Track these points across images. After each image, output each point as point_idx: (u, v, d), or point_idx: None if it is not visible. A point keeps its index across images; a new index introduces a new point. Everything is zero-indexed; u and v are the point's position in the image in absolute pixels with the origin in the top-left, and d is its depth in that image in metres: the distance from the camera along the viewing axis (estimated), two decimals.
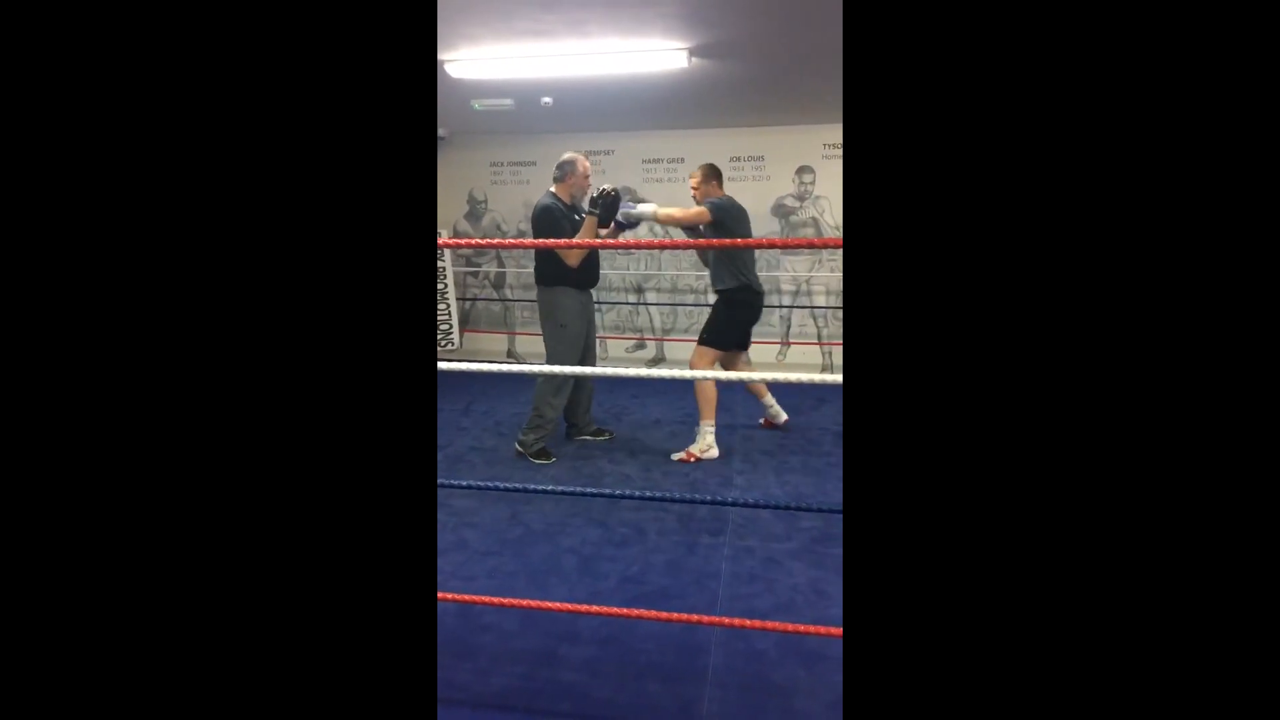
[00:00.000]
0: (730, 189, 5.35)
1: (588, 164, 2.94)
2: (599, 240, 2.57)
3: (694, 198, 3.07)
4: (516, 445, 3.01)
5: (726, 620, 1.47)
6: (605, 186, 2.81)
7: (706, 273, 3.88)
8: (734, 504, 1.56)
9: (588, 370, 1.40)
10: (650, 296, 4.97)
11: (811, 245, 1.42)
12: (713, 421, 3.02)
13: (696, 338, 3.12)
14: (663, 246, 1.42)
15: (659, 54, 2.80)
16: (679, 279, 4.89)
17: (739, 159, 4.68)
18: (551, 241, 1.60)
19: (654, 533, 2.25)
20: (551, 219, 2.79)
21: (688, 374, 1.39)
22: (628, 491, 2.49)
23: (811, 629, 1.36)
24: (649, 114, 4.13)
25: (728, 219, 2.87)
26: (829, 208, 4.61)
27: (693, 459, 2.97)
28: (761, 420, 3.49)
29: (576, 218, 2.86)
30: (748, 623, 1.42)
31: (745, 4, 2.28)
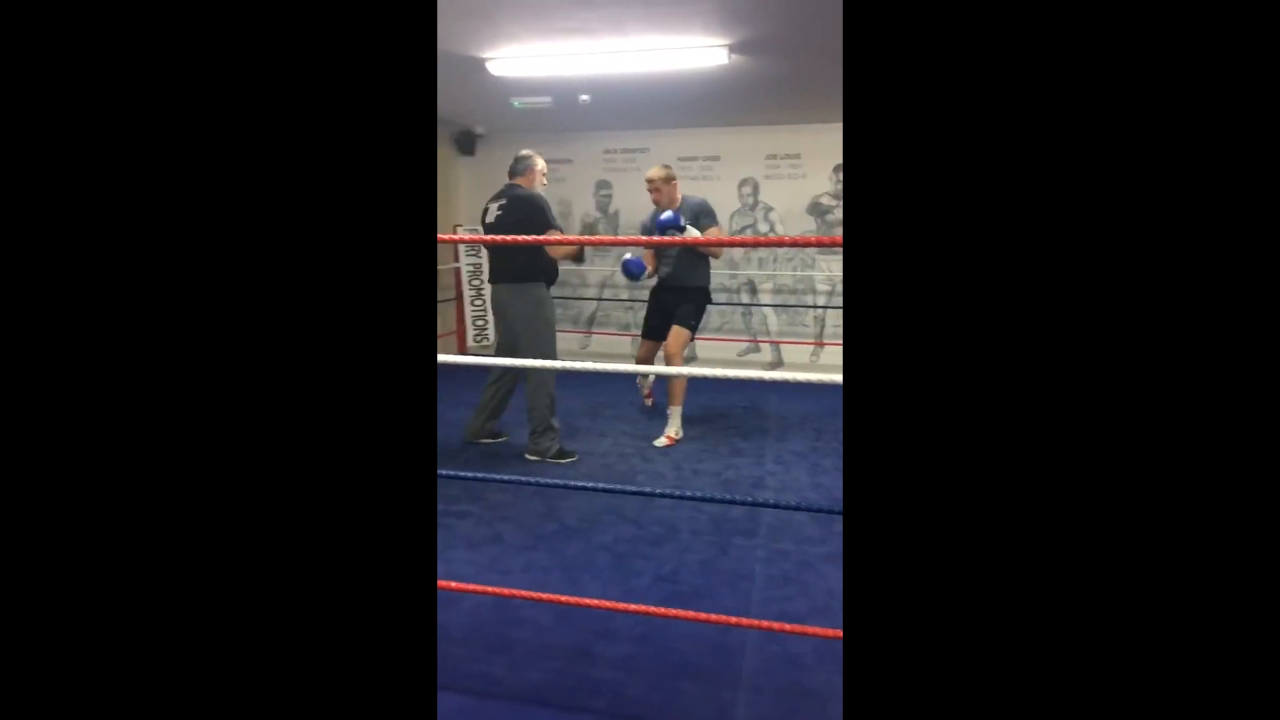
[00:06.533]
0: (767, 187, 5.22)
1: (544, 163, 2.90)
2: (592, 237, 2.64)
3: (656, 200, 2.98)
4: (529, 456, 2.91)
5: (762, 623, 1.45)
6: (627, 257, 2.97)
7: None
8: (769, 505, 1.54)
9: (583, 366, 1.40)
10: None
11: (806, 244, 1.40)
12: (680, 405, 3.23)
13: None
14: (670, 244, 1.43)
15: (698, 51, 2.79)
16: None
17: (775, 157, 4.64)
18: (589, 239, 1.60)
19: (687, 532, 2.24)
20: (543, 208, 2.74)
21: (655, 369, 1.38)
22: (662, 490, 2.49)
23: None
24: (685, 112, 4.12)
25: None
26: None
27: (673, 442, 3.16)
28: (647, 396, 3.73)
29: None
30: (785, 626, 1.41)
31: (785, 0, 2.26)
